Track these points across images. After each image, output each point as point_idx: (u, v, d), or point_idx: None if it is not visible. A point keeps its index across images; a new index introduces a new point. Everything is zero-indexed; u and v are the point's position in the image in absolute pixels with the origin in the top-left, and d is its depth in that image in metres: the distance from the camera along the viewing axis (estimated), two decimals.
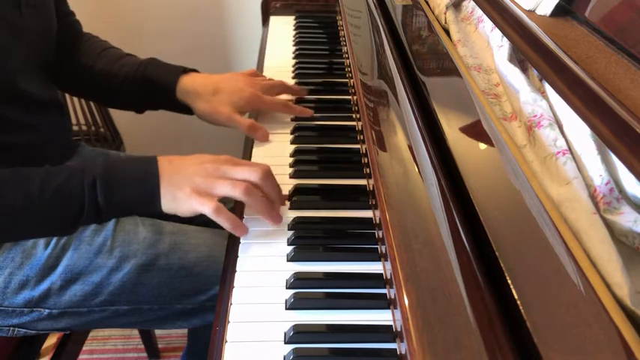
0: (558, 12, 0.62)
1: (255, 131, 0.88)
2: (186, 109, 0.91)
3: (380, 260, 0.65)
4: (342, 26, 1.16)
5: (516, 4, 0.66)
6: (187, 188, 0.67)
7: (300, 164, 0.83)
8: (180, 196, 0.67)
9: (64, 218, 0.67)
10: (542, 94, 0.58)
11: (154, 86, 0.89)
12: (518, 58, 0.65)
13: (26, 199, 0.65)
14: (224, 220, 0.67)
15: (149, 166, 0.69)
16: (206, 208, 0.66)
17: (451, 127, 0.59)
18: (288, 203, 0.75)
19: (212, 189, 0.67)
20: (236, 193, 0.67)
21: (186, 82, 0.88)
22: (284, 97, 0.98)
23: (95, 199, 0.66)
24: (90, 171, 0.67)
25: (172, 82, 0.88)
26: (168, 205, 0.68)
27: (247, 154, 0.88)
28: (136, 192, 0.68)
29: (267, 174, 0.70)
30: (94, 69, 0.93)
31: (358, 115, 0.87)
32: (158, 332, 1.52)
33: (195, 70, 0.92)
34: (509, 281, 0.41)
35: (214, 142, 1.55)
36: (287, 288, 0.62)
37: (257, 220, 0.72)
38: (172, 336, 1.55)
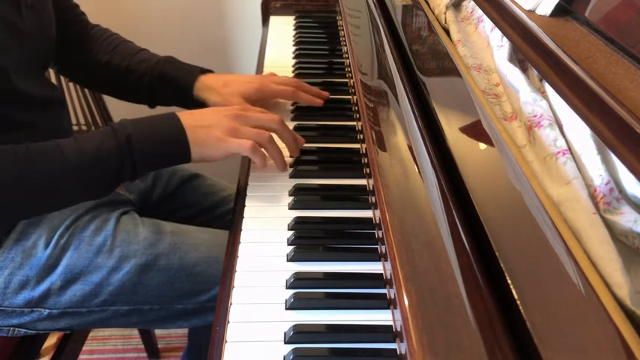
0: (558, 12, 0.62)
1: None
2: (198, 105, 0.94)
3: (380, 260, 0.65)
4: (342, 26, 1.16)
5: (516, 4, 0.66)
6: (218, 133, 0.73)
7: (300, 164, 0.83)
8: (211, 141, 0.73)
9: (103, 181, 0.72)
10: (542, 94, 0.58)
11: (173, 85, 0.94)
12: (518, 58, 0.65)
13: (64, 168, 0.68)
14: (259, 158, 0.75)
15: (172, 119, 0.74)
16: (244, 147, 0.73)
17: (451, 127, 0.59)
18: (288, 203, 0.75)
19: (240, 133, 0.74)
20: (263, 139, 0.75)
21: (203, 80, 0.93)
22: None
23: (131, 158, 0.71)
24: (122, 131, 0.71)
25: (191, 81, 0.93)
26: (198, 153, 0.73)
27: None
28: (167, 144, 0.73)
29: (282, 121, 0.80)
30: (110, 64, 0.96)
31: (358, 115, 0.87)
32: (158, 332, 1.52)
33: (210, 71, 0.97)
34: (509, 281, 0.41)
35: None
36: (287, 288, 0.62)
37: (258, 220, 0.72)
38: (172, 336, 1.55)
